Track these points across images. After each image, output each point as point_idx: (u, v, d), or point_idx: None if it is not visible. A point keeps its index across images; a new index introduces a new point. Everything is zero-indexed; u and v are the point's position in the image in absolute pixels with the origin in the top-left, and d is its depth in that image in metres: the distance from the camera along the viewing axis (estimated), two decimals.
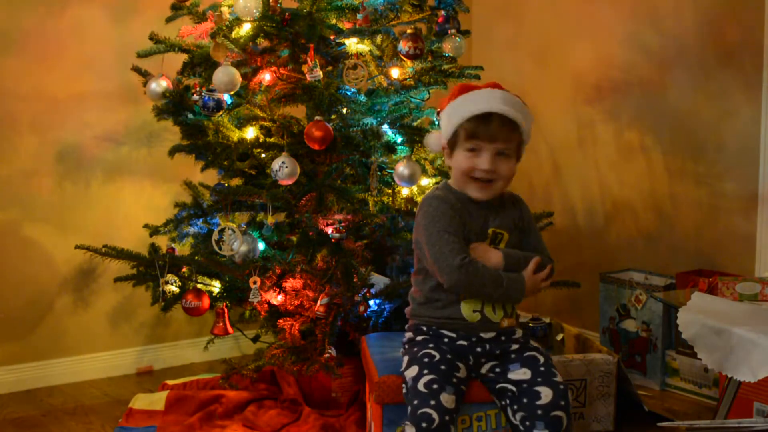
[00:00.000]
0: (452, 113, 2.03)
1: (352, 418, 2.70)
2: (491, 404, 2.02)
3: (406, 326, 2.13)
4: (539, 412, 1.89)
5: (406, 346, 2.08)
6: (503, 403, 1.99)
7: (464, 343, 2.01)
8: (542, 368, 1.96)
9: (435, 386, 1.89)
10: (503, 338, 2.03)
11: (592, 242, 3.58)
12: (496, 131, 1.97)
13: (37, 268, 3.16)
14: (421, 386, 1.89)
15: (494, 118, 1.97)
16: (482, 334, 2.02)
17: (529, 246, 2.11)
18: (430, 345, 2.01)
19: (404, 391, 1.97)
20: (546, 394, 1.90)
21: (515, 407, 1.95)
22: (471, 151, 2.00)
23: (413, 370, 1.95)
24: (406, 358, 2.03)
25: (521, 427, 1.92)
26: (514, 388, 1.96)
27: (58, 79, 3.14)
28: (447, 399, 1.87)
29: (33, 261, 3.15)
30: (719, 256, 3.09)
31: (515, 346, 2.03)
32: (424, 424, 1.84)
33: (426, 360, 1.96)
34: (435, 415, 1.84)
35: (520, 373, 1.97)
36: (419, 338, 2.05)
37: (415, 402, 1.88)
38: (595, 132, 3.55)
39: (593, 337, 3.23)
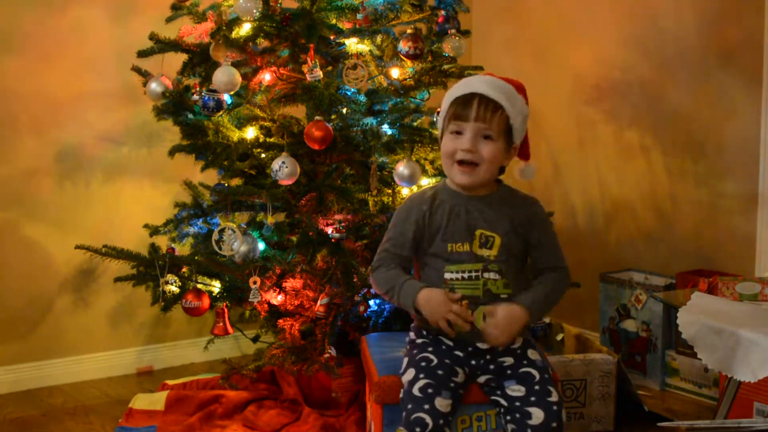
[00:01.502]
0: (442, 104, 2.05)
1: (352, 418, 2.70)
2: (491, 405, 2.01)
3: (411, 325, 2.12)
4: (529, 431, 1.87)
5: (407, 347, 2.06)
6: (498, 410, 1.98)
7: (460, 354, 1.99)
8: (536, 386, 1.92)
9: (430, 391, 1.87)
10: (499, 347, 2.00)
11: (592, 242, 3.58)
12: (476, 111, 1.96)
13: (37, 268, 3.16)
14: (416, 390, 1.88)
15: (475, 99, 1.97)
16: (478, 345, 1.99)
17: (540, 260, 2.05)
18: (429, 349, 1.99)
19: (401, 395, 1.95)
20: (537, 415, 1.87)
21: (507, 418, 1.93)
22: (454, 133, 1.99)
23: (410, 374, 1.94)
24: (405, 360, 2.02)
25: None
26: (506, 403, 1.94)
27: (58, 79, 3.14)
28: (442, 403, 1.86)
29: (33, 261, 3.15)
30: (719, 256, 3.08)
31: (510, 361, 1.99)
32: (417, 429, 1.83)
33: (423, 364, 1.94)
34: (429, 420, 1.83)
35: (515, 390, 1.93)
36: (419, 341, 2.03)
37: (409, 406, 1.87)
38: (595, 132, 3.55)
39: (593, 337, 3.23)
